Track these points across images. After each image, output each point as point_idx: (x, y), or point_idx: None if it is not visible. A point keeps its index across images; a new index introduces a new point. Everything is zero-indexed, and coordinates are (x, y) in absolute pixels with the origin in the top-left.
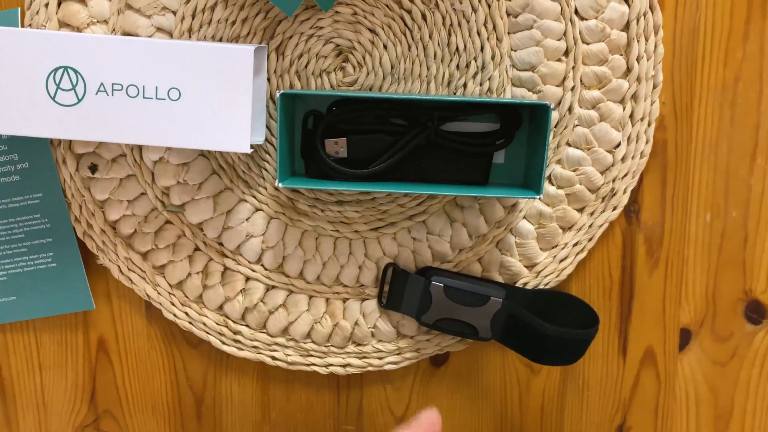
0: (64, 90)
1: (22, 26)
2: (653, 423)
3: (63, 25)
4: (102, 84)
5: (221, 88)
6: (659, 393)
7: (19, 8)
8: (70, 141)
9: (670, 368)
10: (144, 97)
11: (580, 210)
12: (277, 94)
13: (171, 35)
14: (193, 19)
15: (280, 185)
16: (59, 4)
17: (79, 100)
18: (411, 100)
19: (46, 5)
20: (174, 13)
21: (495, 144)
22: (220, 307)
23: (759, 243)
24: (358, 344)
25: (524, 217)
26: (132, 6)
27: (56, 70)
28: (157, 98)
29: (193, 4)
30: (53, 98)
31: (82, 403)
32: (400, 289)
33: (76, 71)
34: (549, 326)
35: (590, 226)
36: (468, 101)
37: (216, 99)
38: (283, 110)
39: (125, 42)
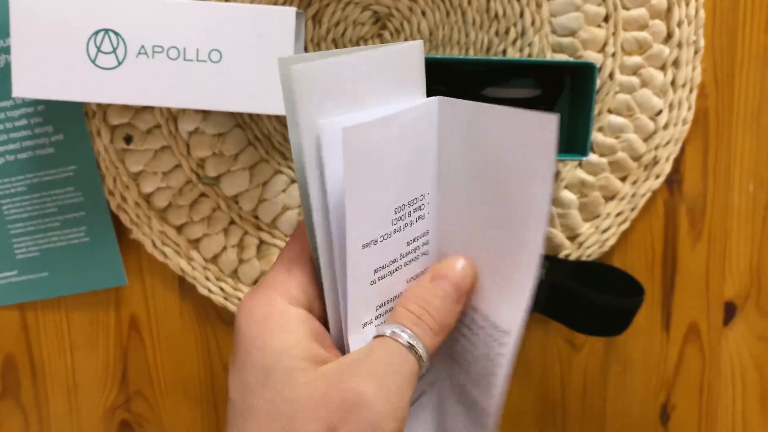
0: (104, 53)
1: None
2: (698, 401)
3: None
4: (143, 46)
5: (262, 49)
6: (704, 370)
7: None
8: (105, 112)
9: (714, 344)
10: (185, 60)
11: (623, 179)
12: None
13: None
14: None
15: None
16: None
17: (120, 63)
18: (451, 60)
19: None
20: None
21: (536, 109)
22: (256, 282)
23: None
24: None
25: (565, 187)
26: None
27: (97, 33)
28: (198, 60)
29: None
30: (93, 62)
31: (113, 384)
32: None
33: (117, 33)
34: (596, 294)
35: (633, 195)
36: (510, 61)
37: (257, 61)
38: None
39: (166, 4)
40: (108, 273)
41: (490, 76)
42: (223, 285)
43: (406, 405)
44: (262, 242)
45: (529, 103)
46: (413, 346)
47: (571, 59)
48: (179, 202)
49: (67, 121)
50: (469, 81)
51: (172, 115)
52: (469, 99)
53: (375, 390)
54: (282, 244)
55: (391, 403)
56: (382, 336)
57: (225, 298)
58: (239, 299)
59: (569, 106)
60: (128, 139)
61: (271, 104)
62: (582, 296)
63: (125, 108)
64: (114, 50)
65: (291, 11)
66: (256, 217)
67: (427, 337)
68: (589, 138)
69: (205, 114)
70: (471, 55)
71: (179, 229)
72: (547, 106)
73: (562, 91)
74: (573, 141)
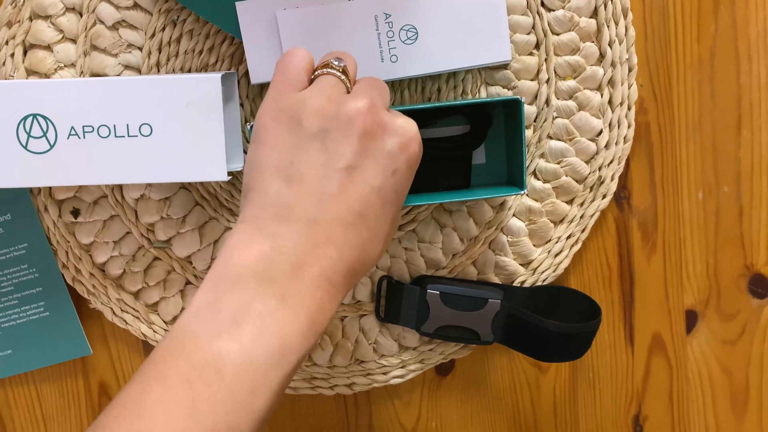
0: (35, 138)
1: None
2: (669, 410)
3: (31, 73)
4: (72, 128)
5: (192, 118)
6: (672, 378)
7: None
8: (50, 188)
9: (680, 352)
10: (116, 136)
11: (570, 202)
12: (248, 127)
13: (140, 71)
14: (159, 53)
15: None
16: (25, 53)
17: (52, 147)
18: None
19: (12, 55)
20: (140, 49)
21: (469, 145)
22: None
23: (755, 216)
24: (362, 361)
25: (514, 215)
26: (97, 47)
27: (25, 118)
28: (129, 136)
29: (158, 38)
30: (25, 147)
31: None
32: (397, 301)
33: (45, 118)
34: (550, 323)
35: (581, 216)
36: (439, 105)
37: (188, 130)
38: None
39: (90, 83)
40: (71, 344)
41: (420, 120)
42: None
43: None
44: None
45: (461, 139)
46: None
47: (498, 97)
48: (133, 269)
49: (12, 201)
50: None
51: (118, 185)
52: None
53: None
54: None
55: None
56: None
57: None
58: None
59: (506, 137)
60: (75, 213)
61: (207, 171)
62: (538, 326)
63: None
64: (44, 134)
65: (216, 77)
66: None
67: None
68: (524, 172)
69: (152, 182)
70: (406, 96)
71: (136, 294)
72: (479, 140)
73: (491, 123)
74: (512, 172)
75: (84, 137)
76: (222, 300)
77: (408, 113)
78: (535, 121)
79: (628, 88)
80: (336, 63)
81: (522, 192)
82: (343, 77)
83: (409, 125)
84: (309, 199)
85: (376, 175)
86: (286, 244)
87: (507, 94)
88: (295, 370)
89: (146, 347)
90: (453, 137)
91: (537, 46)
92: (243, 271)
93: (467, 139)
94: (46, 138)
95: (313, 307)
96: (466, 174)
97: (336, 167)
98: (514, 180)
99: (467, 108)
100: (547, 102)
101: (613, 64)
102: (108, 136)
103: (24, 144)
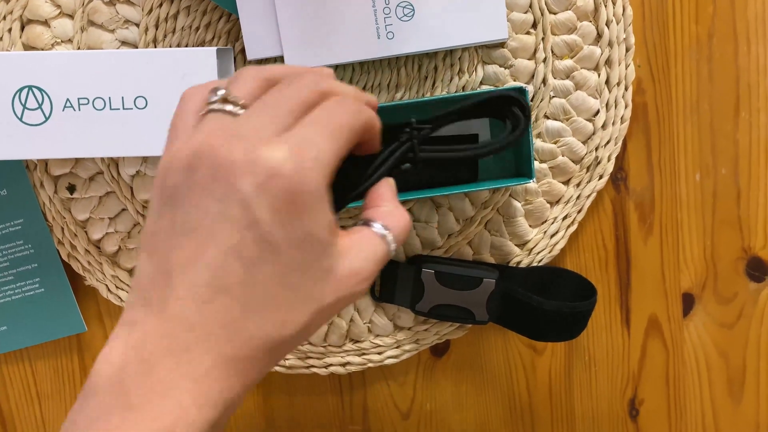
0: (30, 109)
1: None
2: (665, 393)
3: (28, 48)
4: (68, 100)
5: None
6: (668, 362)
7: None
8: (46, 163)
9: (676, 335)
10: (111, 109)
11: (566, 182)
12: None
13: (136, 47)
14: (156, 29)
15: None
16: (22, 28)
17: (47, 119)
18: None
19: (9, 30)
20: (137, 25)
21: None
22: None
23: (752, 198)
24: (356, 341)
25: (510, 196)
26: (94, 22)
27: (21, 90)
28: (124, 108)
29: (155, 14)
30: (20, 119)
31: None
32: (392, 280)
33: (41, 89)
34: (546, 301)
35: (578, 197)
36: (438, 99)
37: None
38: None
39: (86, 56)
40: (66, 321)
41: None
42: None
43: None
44: None
45: (469, 138)
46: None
47: (499, 87)
48: (129, 245)
49: (8, 176)
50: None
51: (113, 161)
52: (413, 146)
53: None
54: None
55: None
56: None
57: None
58: None
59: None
60: (71, 189)
61: None
62: (534, 304)
63: (65, 158)
64: (40, 106)
65: (212, 51)
66: None
67: None
68: (532, 160)
69: (146, 156)
70: (402, 74)
71: (131, 272)
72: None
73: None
74: (520, 164)
75: (79, 109)
76: (78, 417)
77: (405, 108)
78: (531, 100)
79: (626, 68)
80: (213, 97)
81: (531, 180)
82: (225, 107)
83: (273, 154)
84: (160, 277)
85: (226, 232)
86: (137, 338)
87: (503, 72)
88: None
89: None
90: (460, 136)
91: (534, 24)
92: (97, 378)
93: (475, 139)
94: (42, 110)
95: (171, 414)
96: (474, 167)
97: (182, 232)
98: (522, 170)
99: (473, 107)
100: (544, 81)
101: (610, 44)
102: (103, 108)
103: (19, 116)
